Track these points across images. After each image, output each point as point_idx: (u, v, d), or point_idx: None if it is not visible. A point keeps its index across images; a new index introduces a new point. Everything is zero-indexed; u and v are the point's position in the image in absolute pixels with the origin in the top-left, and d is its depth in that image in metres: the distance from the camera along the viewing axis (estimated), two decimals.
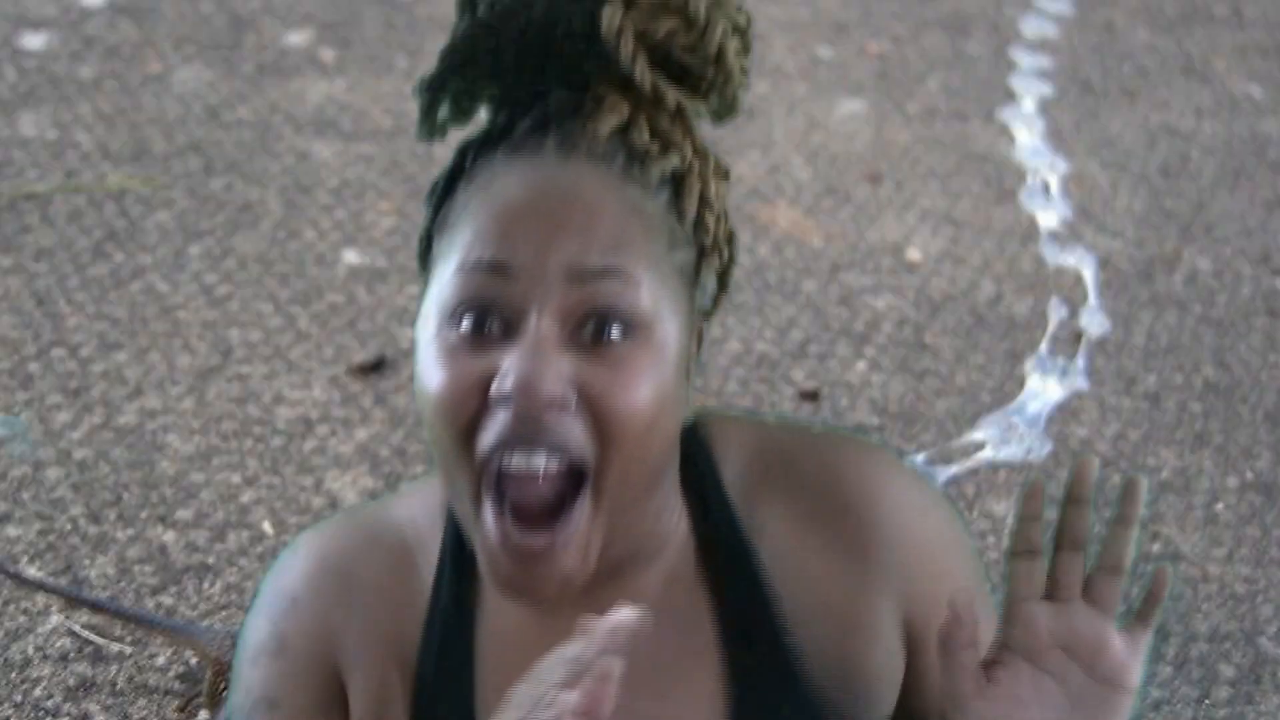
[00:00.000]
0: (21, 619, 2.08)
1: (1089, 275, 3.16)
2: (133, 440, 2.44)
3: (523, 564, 0.95)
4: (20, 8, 3.88)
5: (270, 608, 1.09)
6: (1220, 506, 2.50)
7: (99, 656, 2.02)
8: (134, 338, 2.71)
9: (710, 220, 1.01)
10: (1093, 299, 3.08)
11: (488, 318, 0.95)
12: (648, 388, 0.95)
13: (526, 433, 0.93)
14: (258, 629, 1.09)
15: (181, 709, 1.94)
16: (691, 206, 1.00)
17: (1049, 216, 3.39)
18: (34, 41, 3.74)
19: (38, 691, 1.96)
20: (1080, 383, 2.80)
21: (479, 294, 0.95)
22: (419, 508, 1.10)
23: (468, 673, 1.05)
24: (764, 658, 1.03)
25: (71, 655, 2.02)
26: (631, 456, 0.95)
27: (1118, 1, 4.66)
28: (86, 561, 2.18)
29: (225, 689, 1.86)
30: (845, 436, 1.10)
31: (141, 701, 1.96)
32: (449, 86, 1.03)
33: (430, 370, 0.96)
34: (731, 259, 1.05)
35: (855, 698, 1.04)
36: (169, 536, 2.24)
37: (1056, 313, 3.02)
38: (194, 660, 1.99)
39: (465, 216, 0.98)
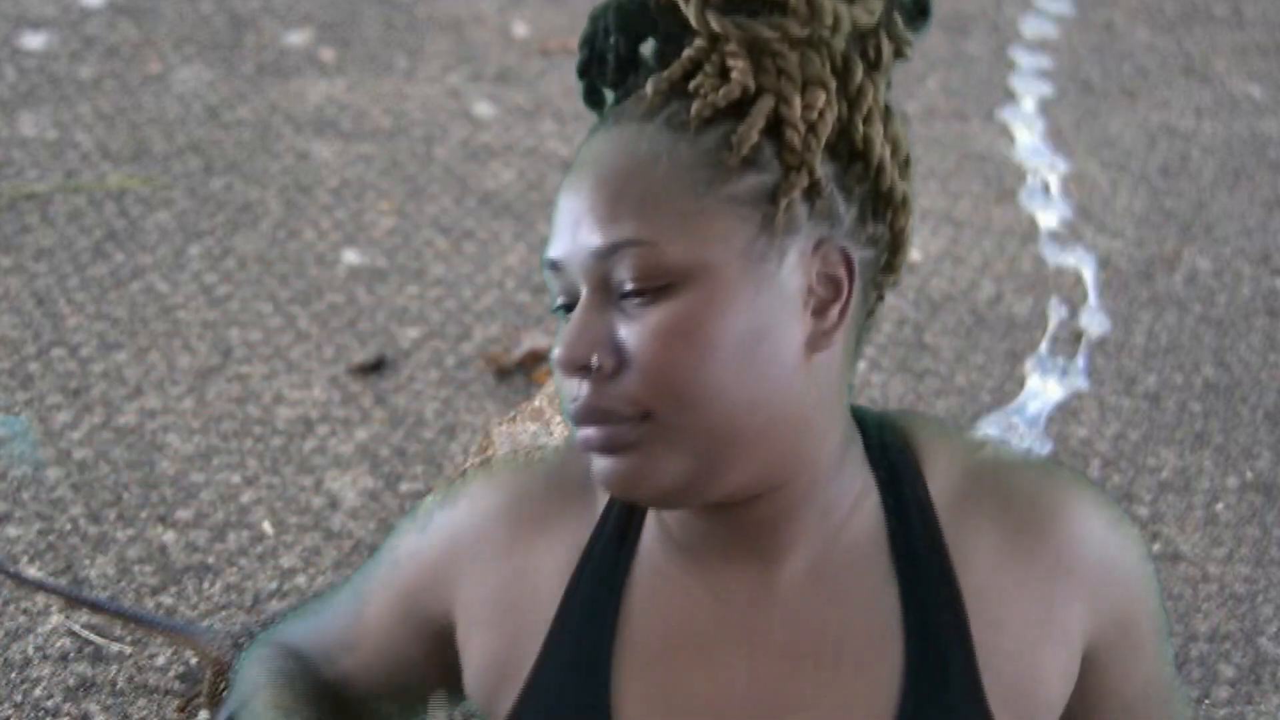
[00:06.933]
0: (21, 619, 2.08)
1: (1089, 275, 3.16)
2: (133, 440, 2.44)
3: (595, 457, 1.00)
4: (20, 8, 3.88)
5: (423, 526, 1.15)
6: (1220, 506, 2.50)
7: (99, 656, 2.02)
8: (134, 338, 2.71)
9: (794, 138, 0.97)
10: (1093, 299, 3.08)
11: (567, 304, 1.01)
12: (684, 339, 0.96)
13: (581, 409, 0.98)
14: (404, 536, 1.16)
15: (181, 709, 1.94)
16: (753, 127, 0.97)
17: (1049, 216, 3.39)
18: (34, 41, 3.74)
19: (38, 691, 1.96)
20: (1080, 383, 2.80)
21: (556, 287, 1.02)
22: None
23: (611, 615, 1.05)
24: (948, 664, 1.02)
25: (71, 655, 2.02)
26: (691, 404, 0.96)
27: (1118, 1, 4.66)
28: (86, 561, 2.18)
29: (225, 689, 1.86)
30: (1053, 466, 1.10)
31: (141, 701, 1.95)
32: (602, 56, 1.03)
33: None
34: (864, 176, 1.01)
35: (1026, 715, 1.04)
36: (169, 536, 2.24)
37: (1056, 313, 3.01)
38: (194, 660, 1.99)
39: None
